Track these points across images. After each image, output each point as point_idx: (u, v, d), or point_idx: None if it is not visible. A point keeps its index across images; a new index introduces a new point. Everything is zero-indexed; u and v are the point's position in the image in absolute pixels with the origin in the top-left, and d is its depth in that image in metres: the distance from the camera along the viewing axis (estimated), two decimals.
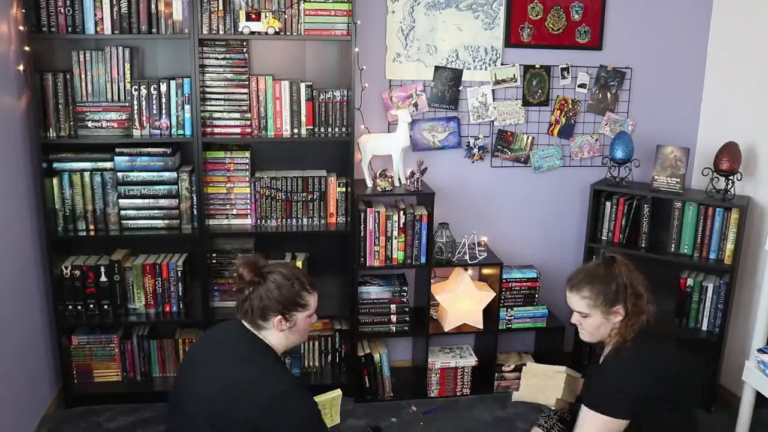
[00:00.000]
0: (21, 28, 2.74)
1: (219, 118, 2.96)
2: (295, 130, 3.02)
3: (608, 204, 3.25)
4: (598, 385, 2.10)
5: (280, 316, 1.96)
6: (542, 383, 2.40)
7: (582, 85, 3.34)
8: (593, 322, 2.14)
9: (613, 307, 2.11)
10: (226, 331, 2.04)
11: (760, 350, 2.70)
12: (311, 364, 3.31)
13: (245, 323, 2.00)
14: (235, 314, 2.02)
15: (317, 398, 2.12)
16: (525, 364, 3.31)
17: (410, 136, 3.13)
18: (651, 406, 2.06)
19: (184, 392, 1.96)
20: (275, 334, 1.99)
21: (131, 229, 3.02)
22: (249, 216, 3.08)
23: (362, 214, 3.05)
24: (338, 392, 2.27)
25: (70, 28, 2.78)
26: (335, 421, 2.27)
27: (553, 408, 2.44)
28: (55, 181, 2.92)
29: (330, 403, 2.25)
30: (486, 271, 3.34)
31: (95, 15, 2.78)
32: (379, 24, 3.13)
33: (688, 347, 3.09)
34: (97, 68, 2.88)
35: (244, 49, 2.92)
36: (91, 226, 2.99)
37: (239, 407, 1.83)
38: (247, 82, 2.94)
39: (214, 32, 2.84)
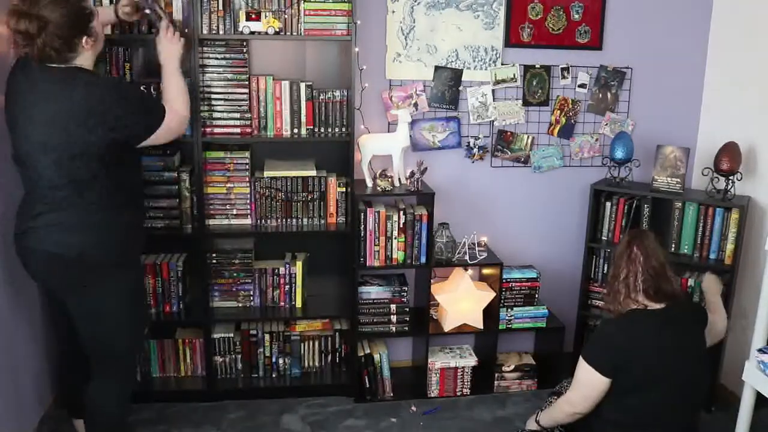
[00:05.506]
0: None
1: (219, 118, 2.95)
2: (295, 130, 3.02)
3: (608, 204, 3.25)
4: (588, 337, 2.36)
5: (85, 37, 2.10)
6: None
7: (582, 85, 3.34)
8: None
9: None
10: (40, 83, 2.09)
11: (760, 350, 2.69)
12: (311, 364, 3.31)
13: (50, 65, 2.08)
14: (33, 64, 2.08)
15: None
16: (525, 364, 3.35)
17: (410, 136, 3.13)
18: (621, 377, 2.24)
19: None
20: (86, 56, 2.15)
21: None
22: (249, 216, 3.08)
23: (362, 214, 3.05)
24: None
25: None
26: None
27: None
28: None
29: None
30: (486, 271, 3.34)
31: None
32: (379, 24, 3.13)
33: None
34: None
35: (244, 49, 2.92)
36: None
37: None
38: (247, 82, 2.94)
39: (214, 32, 2.84)
